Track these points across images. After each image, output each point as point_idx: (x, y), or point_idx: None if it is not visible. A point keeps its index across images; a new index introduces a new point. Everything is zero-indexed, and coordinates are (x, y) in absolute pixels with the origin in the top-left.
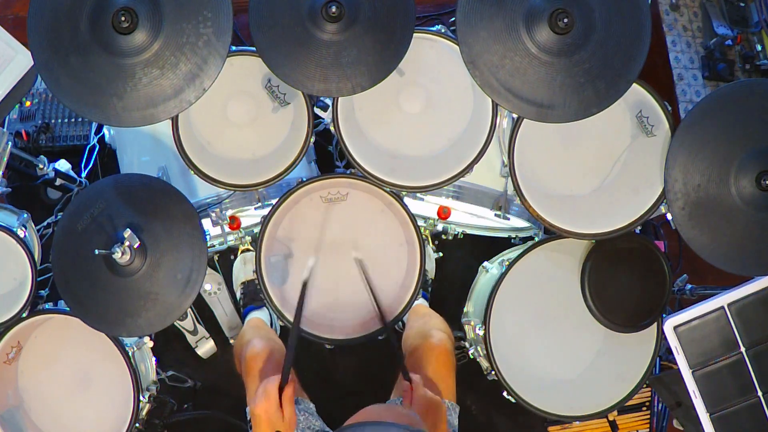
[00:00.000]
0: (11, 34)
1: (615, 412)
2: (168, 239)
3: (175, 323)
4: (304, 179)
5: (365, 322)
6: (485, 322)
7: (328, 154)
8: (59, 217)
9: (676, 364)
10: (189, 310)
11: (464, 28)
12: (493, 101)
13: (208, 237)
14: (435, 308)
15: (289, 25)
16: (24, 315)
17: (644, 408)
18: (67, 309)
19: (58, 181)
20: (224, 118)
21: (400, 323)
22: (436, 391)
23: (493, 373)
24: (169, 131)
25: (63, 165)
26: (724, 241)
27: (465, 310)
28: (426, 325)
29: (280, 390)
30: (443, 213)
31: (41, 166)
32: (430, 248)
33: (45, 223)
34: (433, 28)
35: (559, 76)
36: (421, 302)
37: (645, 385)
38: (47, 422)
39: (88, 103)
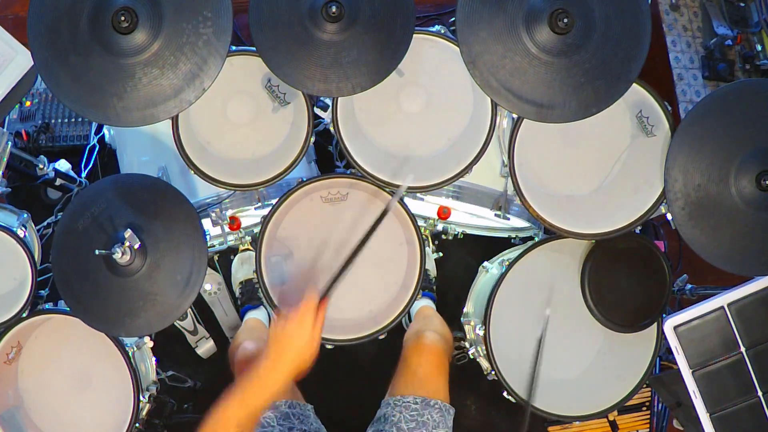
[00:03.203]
0: (11, 34)
1: (615, 412)
2: (168, 239)
3: (175, 323)
4: (304, 179)
5: (365, 322)
6: (485, 322)
7: (328, 154)
8: (59, 217)
9: (676, 364)
10: (189, 310)
11: (464, 28)
12: (493, 101)
13: (208, 237)
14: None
15: (289, 25)
16: (24, 315)
17: (644, 408)
18: (67, 309)
19: (58, 181)
20: (224, 118)
21: (404, 322)
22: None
23: (493, 373)
24: (169, 131)
25: (63, 165)
26: (724, 241)
27: (465, 310)
28: (423, 326)
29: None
30: (443, 213)
31: (41, 166)
32: (430, 248)
33: (45, 223)
34: (433, 29)
35: (559, 76)
36: (427, 304)
37: (645, 385)
38: (47, 422)
39: (88, 103)
